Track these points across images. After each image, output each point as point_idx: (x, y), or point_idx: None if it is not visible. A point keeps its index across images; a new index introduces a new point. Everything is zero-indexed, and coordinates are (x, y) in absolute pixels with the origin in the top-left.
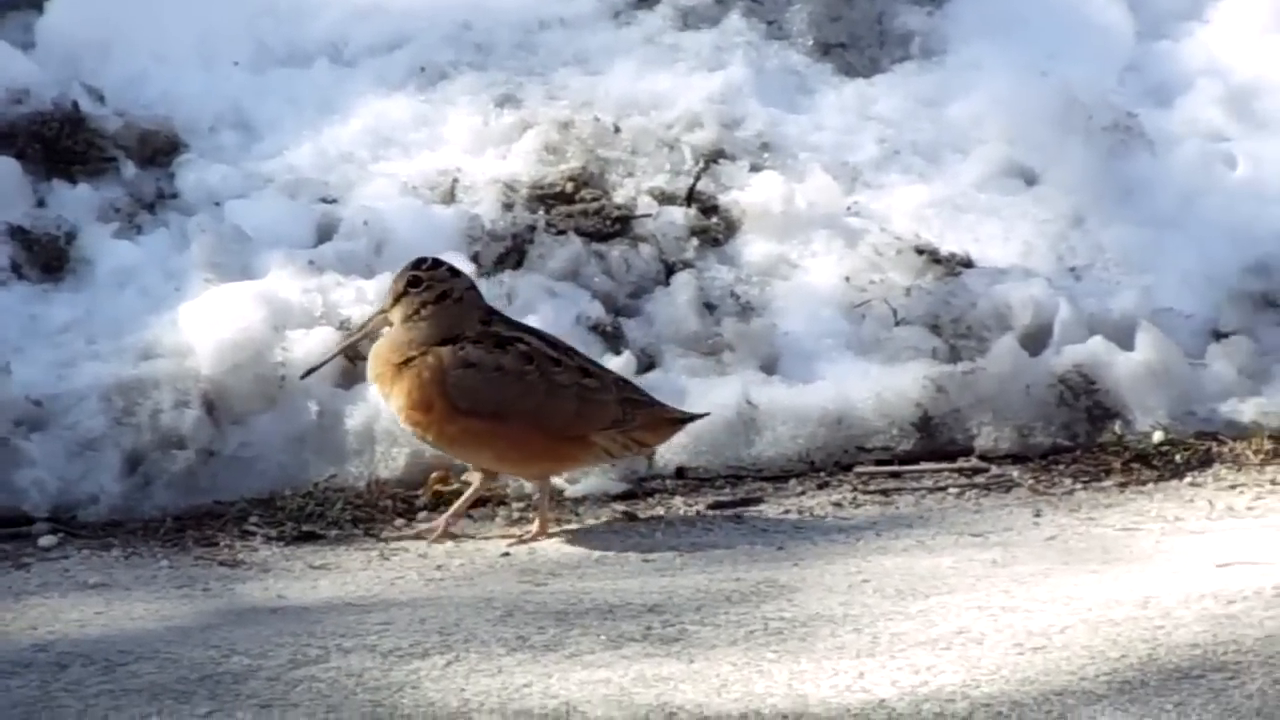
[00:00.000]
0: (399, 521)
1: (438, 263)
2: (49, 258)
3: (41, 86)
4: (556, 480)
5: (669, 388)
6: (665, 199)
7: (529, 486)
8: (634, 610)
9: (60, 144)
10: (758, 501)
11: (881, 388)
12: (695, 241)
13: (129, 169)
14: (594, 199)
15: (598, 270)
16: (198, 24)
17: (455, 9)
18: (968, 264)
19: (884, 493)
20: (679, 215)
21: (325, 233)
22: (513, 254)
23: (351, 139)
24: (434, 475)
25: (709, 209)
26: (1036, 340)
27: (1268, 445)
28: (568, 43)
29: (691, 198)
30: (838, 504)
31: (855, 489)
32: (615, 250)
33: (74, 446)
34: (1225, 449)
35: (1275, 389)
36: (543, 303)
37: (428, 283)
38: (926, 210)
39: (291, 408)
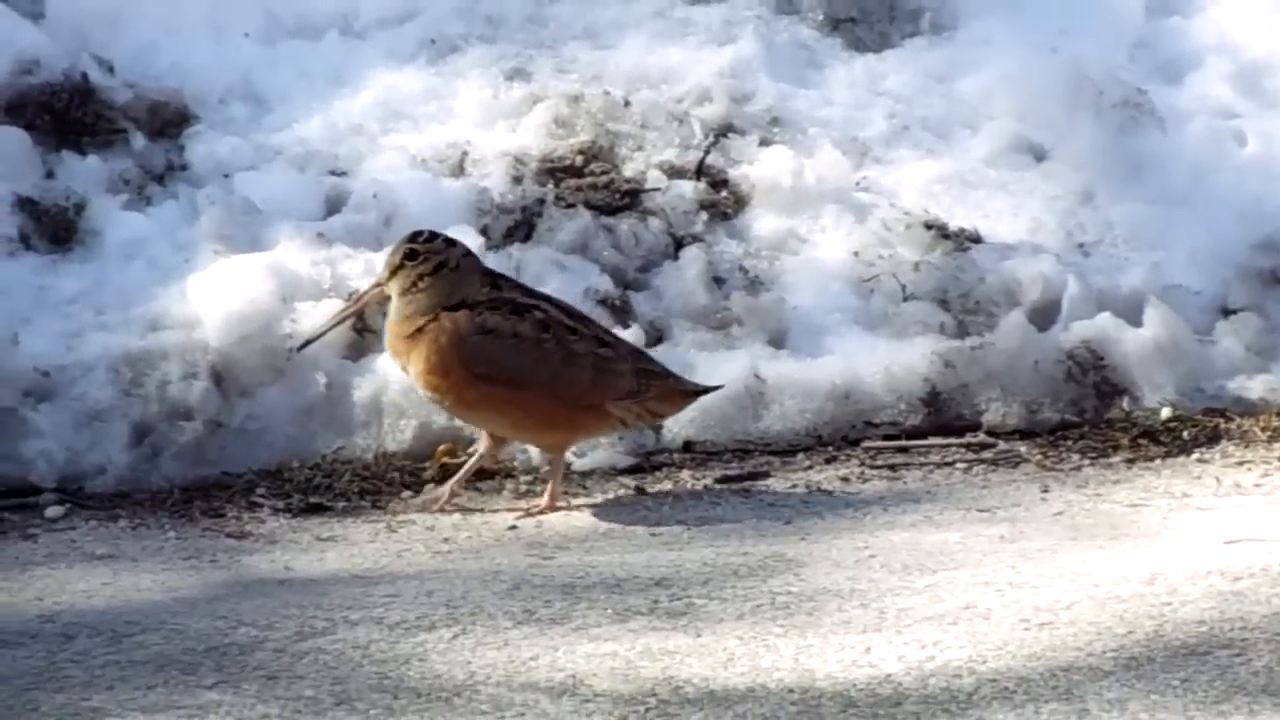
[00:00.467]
0: (406, 494)
1: (433, 235)
2: (58, 229)
3: (51, 57)
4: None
5: (677, 361)
6: (675, 173)
7: (539, 459)
8: (641, 584)
9: (70, 115)
10: (765, 476)
11: (890, 363)
12: (704, 215)
13: (138, 140)
14: (603, 173)
15: (607, 244)
16: None
17: None
18: (976, 240)
19: (891, 468)
20: (688, 189)
21: (334, 205)
22: (522, 227)
23: (361, 111)
24: (441, 448)
25: (718, 183)
26: (1045, 316)
27: (1275, 422)
28: (578, 16)
29: (701, 172)
30: (845, 479)
31: (863, 464)
32: (624, 224)
33: (82, 417)
34: (1233, 425)
35: None
36: (552, 276)
37: (424, 255)
38: (936, 186)
39: (299, 380)
